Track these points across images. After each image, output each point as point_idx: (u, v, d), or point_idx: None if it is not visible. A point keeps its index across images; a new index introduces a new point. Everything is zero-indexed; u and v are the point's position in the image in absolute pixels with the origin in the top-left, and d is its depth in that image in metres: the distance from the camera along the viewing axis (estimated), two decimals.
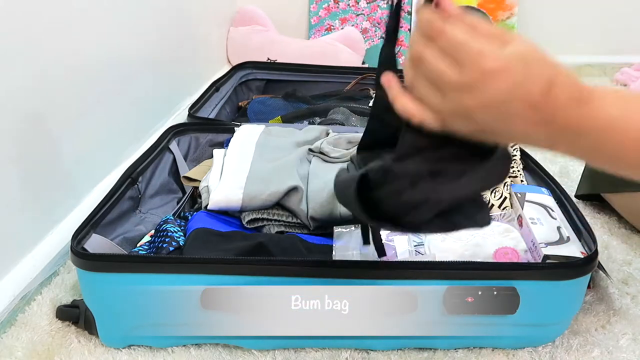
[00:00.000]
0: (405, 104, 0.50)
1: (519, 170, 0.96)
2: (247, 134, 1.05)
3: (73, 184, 0.98)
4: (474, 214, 0.56)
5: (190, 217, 0.89)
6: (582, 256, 0.76)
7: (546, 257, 0.78)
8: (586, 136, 0.48)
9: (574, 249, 0.78)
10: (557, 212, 0.86)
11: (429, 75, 0.48)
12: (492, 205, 0.92)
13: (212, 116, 1.34)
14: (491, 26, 0.48)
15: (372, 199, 0.55)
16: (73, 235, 0.76)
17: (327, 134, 1.06)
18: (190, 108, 1.28)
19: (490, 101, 0.46)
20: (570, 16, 1.99)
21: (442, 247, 0.81)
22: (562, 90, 0.46)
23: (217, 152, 1.02)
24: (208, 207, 0.89)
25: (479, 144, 0.51)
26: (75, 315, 0.78)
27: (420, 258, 0.80)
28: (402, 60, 0.53)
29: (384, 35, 0.57)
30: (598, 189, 1.07)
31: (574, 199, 1.02)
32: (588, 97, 0.47)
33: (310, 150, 1.00)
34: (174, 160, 1.07)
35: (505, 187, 0.92)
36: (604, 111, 0.48)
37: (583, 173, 1.11)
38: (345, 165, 0.95)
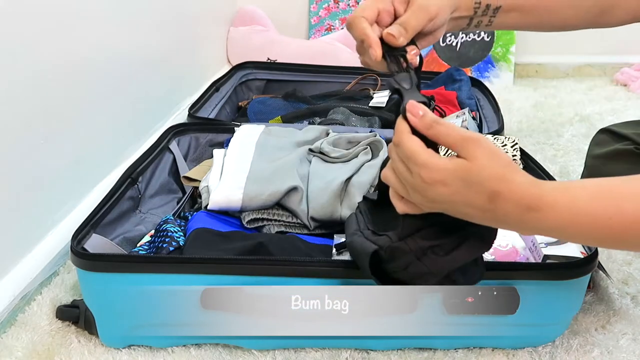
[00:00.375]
0: (394, 201, 0.60)
1: None
2: (247, 134, 1.05)
3: (73, 184, 0.98)
4: (471, 272, 0.66)
5: (190, 217, 0.89)
6: (582, 256, 0.76)
7: (546, 257, 0.78)
8: (539, 231, 0.56)
9: (574, 249, 0.78)
10: None
11: (397, 175, 0.58)
12: None
13: (212, 116, 1.34)
14: (454, 138, 0.55)
15: (383, 269, 0.64)
16: (73, 235, 0.76)
17: (327, 134, 1.06)
18: (190, 108, 1.28)
19: (439, 201, 0.55)
20: None
21: None
22: (507, 200, 0.53)
23: (217, 152, 1.02)
24: (208, 207, 0.89)
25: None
26: (75, 315, 0.78)
27: None
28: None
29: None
30: None
31: None
32: (537, 205, 0.53)
33: (310, 150, 1.01)
34: (174, 160, 1.07)
35: None
36: (553, 218, 0.54)
37: (582, 173, 1.11)
38: (345, 164, 0.96)
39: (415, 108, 0.56)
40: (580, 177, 1.12)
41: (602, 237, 0.55)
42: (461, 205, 0.55)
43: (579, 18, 0.80)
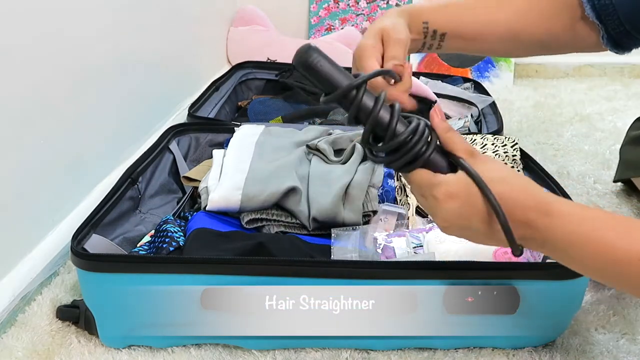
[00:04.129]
0: None
1: (519, 170, 0.96)
2: (246, 134, 1.05)
3: (73, 184, 0.98)
4: None
5: (190, 217, 0.89)
6: None
7: (546, 257, 0.78)
8: (545, 239, 0.55)
9: None
10: None
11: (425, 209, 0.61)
12: None
13: (211, 115, 1.34)
14: (463, 148, 0.57)
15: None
16: (73, 236, 0.76)
17: (329, 134, 1.06)
18: (190, 107, 1.28)
19: (452, 220, 0.57)
20: None
21: (441, 249, 0.80)
22: (513, 205, 0.54)
23: (217, 153, 1.02)
24: (207, 208, 0.89)
25: None
26: (75, 315, 0.78)
27: (419, 259, 0.80)
28: None
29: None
30: (628, 174, 1.13)
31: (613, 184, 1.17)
32: (546, 209, 0.55)
33: (307, 147, 1.00)
34: (174, 160, 1.07)
35: None
36: (562, 225, 0.54)
37: (620, 159, 1.18)
38: (343, 165, 0.95)
39: (441, 112, 0.60)
40: (575, 176, 1.12)
41: (604, 267, 0.55)
42: (472, 218, 0.56)
43: (521, 51, 0.85)
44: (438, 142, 0.59)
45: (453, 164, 0.58)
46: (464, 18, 0.78)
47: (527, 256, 0.81)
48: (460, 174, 0.56)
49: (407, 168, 0.58)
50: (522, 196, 0.55)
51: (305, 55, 0.56)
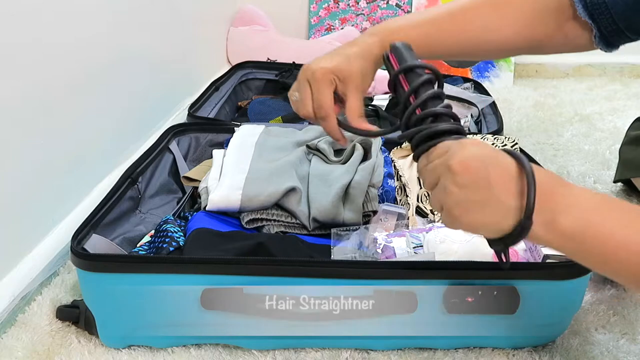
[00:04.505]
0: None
1: None
2: (246, 134, 1.05)
3: (73, 184, 0.98)
4: None
5: (190, 217, 0.89)
6: None
7: (546, 256, 0.78)
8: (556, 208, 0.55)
9: None
10: None
11: (440, 197, 0.59)
12: None
13: (211, 115, 1.34)
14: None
15: None
16: (73, 236, 0.76)
17: None
18: (190, 107, 1.28)
19: (472, 189, 0.55)
20: None
21: (441, 249, 0.80)
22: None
23: (217, 153, 1.02)
24: (207, 208, 0.89)
25: None
26: (75, 315, 0.78)
27: (419, 259, 0.80)
28: None
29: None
30: (627, 174, 1.14)
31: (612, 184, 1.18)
32: (560, 182, 0.56)
33: (307, 147, 1.00)
34: (174, 160, 1.07)
35: None
36: (576, 203, 0.55)
37: (619, 159, 1.18)
38: (343, 165, 0.95)
39: None
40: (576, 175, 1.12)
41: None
42: (495, 183, 0.55)
43: (511, 55, 0.89)
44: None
45: None
46: (441, 49, 0.80)
47: (527, 256, 0.81)
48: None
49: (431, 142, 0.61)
50: (540, 171, 0.56)
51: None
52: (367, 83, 0.76)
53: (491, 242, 0.58)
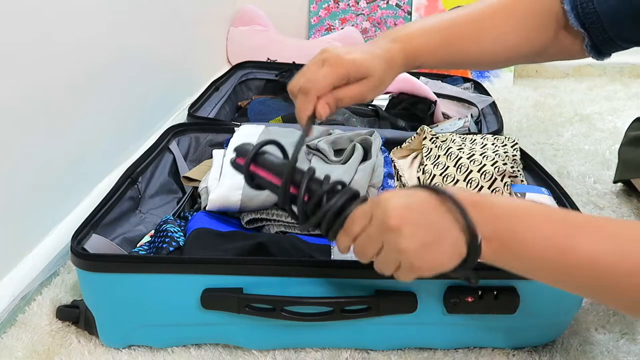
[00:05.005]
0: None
1: (519, 170, 0.96)
2: (246, 134, 1.05)
3: (73, 184, 0.98)
4: None
5: (190, 217, 0.89)
6: None
7: None
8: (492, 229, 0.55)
9: None
10: None
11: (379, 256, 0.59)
12: None
13: (211, 115, 1.34)
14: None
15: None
16: (73, 236, 0.76)
17: (329, 134, 1.06)
18: (190, 107, 1.28)
19: (414, 245, 0.55)
20: None
21: None
22: (453, 199, 0.55)
23: (217, 153, 1.02)
24: (207, 208, 0.89)
25: None
26: (75, 315, 0.78)
27: None
28: None
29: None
30: (627, 175, 1.14)
31: (613, 184, 1.19)
32: (479, 200, 0.56)
33: (307, 147, 1.00)
34: (174, 160, 1.07)
35: (506, 187, 0.92)
36: (495, 214, 0.56)
37: (618, 159, 1.18)
38: (343, 165, 0.95)
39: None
40: (575, 176, 1.12)
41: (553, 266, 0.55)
42: (431, 235, 0.55)
43: (508, 65, 0.88)
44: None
45: None
46: (455, 58, 0.80)
47: None
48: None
49: (340, 224, 0.59)
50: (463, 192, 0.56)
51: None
52: (382, 89, 0.73)
53: (454, 272, 0.57)
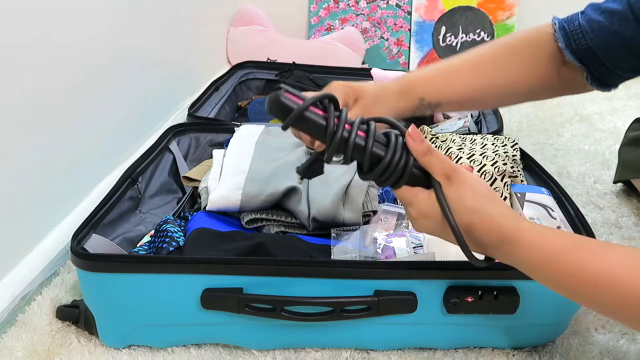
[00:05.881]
0: None
1: (519, 170, 0.96)
2: (246, 134, 1.05)
3: (73, 184, 0.98)
4: None
5: (190, 217, 0.89)
6: None
7: None
8: (516, 264, 0.61)
9: None
10: (557, 212, 0.86)
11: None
12: None
13: (211, 115, 1.34)
14: (441, 169, 0.60)
15: None
16: (73, 236, 0.76)
17: None
18: (190, 107, 1.28)
19: (431, 232, 0.62)
20: None
21: (441, 249, 0.80)
22: (482, 231, 0.59)
23: (217, 153, 1.02)
24: (207, 208, 0.89)
25: None
26: (75, 315, 0.78)
27: (419, 259, 0.80)
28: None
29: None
30: (627, 175, 1.14)
31: (613, 184, 1.19)
32: (511, 238, 0.59)
33: (308, 147, 1.00)
34: (174, 160, 1.07)
35: (506, 187, 0.92)
36: (525, 253, 0.59)
37: (618, 160, 1.19)
38: (345, 166, 0.95)
39: (417, 135, 0.60)
40: (577, 176, 1.12)
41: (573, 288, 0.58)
42: (444, 235, 0.61)
43: (512, 103, 0.90)
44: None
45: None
46: (454, 88, 0.83)
47: None
48: (434, 196, 0.60)
49: (395, 186, 0.62)
50: (487, 226, 0.59)
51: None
52: (377, 109, 0.78)
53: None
